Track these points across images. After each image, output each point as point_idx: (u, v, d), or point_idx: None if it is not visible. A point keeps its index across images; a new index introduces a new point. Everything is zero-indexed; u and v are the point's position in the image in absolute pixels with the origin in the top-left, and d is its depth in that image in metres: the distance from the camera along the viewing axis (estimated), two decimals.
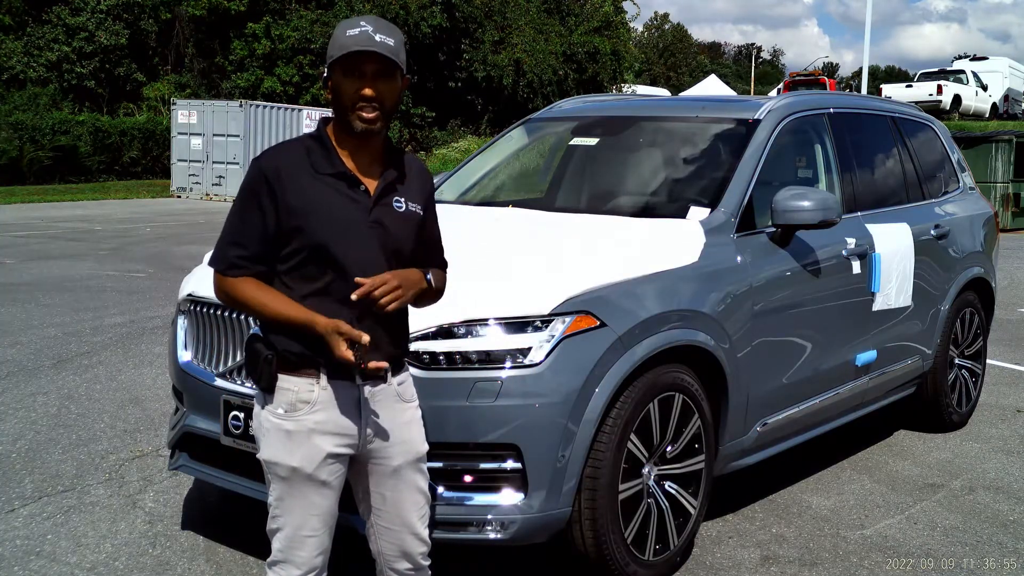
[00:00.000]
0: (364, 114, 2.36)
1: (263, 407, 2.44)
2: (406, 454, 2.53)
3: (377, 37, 2.35)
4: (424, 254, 2.59)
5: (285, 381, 2.41)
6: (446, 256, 2.70)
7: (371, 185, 2.44)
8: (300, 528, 2.45)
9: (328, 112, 2.52)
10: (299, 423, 2.40)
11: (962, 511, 4.39)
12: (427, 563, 2.62)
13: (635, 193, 4.62)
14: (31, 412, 5.45)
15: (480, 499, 3.16)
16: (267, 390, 2.42)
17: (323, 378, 2.41)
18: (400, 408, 2.53)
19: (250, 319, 3.36)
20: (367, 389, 2.45)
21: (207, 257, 3.85)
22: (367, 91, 2.36)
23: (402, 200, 2.49)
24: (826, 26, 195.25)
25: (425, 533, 2.59)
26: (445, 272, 2.68)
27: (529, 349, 3.15)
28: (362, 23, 2.38)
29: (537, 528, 3.19)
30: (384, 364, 2.40)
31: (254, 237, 2.37)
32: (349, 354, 2.28)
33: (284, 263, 2.40)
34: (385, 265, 2.42)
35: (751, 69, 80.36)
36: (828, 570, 3.74)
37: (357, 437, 2.45)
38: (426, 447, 2.59)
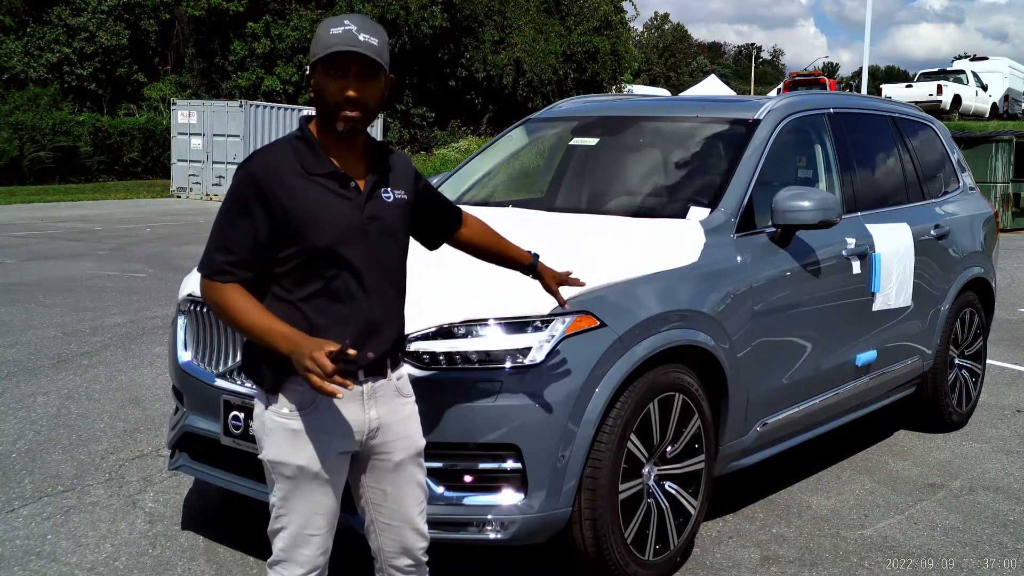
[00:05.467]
0: (347, 114, 2.34)
1: (267, 407, 2.43)
2: (407, 449, 2.54)
3: (361, 37, 2.31)
4: (437, 219, 2.74)
5: (291, 381, 2.40)
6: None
7: (360, 181, 2.44)
8: (304, 527, 2.44)
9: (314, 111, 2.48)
10: (305, 422, 2.40)
11: (962, 511, 4.38)
12: (426, 559, 2.62)
13: (635, 193, 4.62)
14: (31, 412, 5.45)
15: (480, 499, 3.16)
16: (272, 391, 2.42)
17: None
18: (400, 403, 2.53)
19: None
20: (369, 385, 2.45)
21: None
22: (351, 92, 2.33)
23: (389, 190, 2.49)
24: (823, 26, 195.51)
25: (425, 528, 2.60)
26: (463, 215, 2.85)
27: (529, 349, 3.15)
28: (346, 21, 2.34)
29: (537, 528, 3.19)
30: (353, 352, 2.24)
31: (243, 244, 2.35)
32: (329, 365, 2.17)
33: (281, 266, 2.37)
34: (383, 259, 2.44)
35: (751, 69, 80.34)
36: (828, 570, 3.74)
37: (362, 434, 2.46)
38: (424, 441, 2.60)
